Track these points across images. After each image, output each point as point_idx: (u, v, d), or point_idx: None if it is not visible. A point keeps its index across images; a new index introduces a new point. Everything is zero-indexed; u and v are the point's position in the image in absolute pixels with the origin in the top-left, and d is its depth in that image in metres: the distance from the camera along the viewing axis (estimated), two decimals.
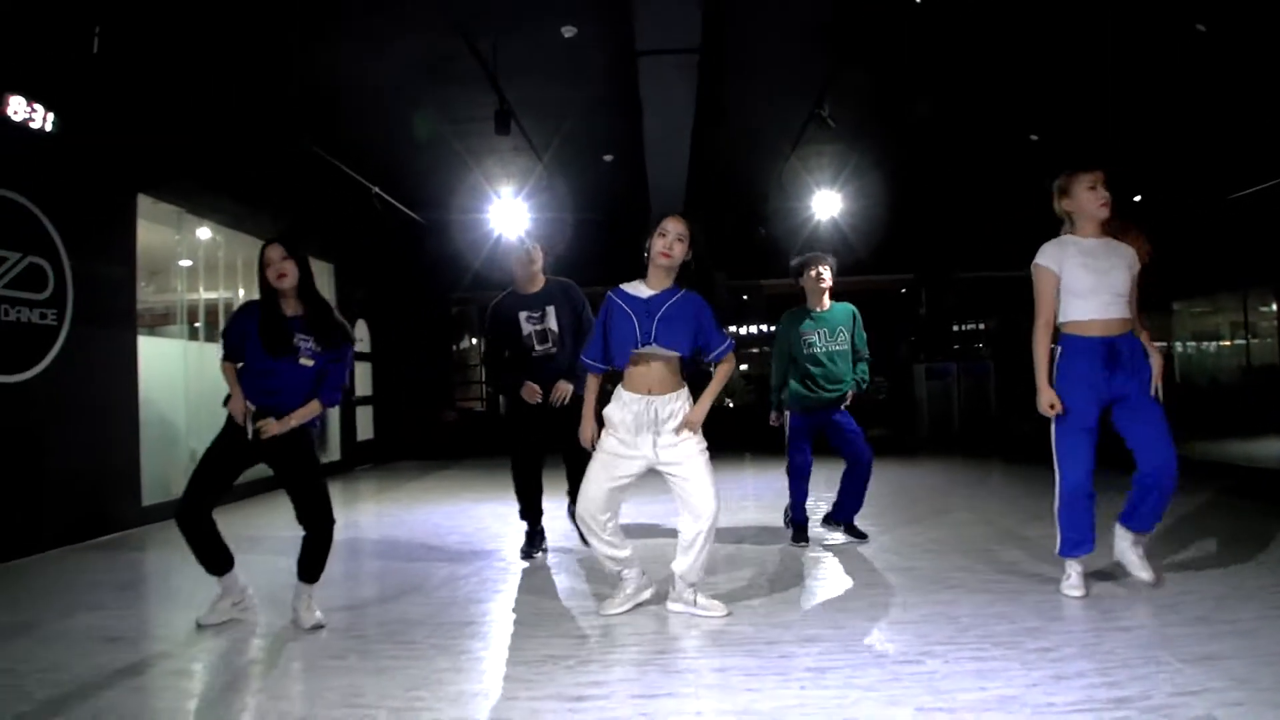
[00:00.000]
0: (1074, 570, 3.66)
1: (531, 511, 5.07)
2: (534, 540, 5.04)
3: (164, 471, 6.79)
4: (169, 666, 3.20)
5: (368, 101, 7.21)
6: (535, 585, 4.31)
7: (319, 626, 3.54)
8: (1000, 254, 12.43)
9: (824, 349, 4.88)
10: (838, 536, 5.10)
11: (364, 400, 11.02)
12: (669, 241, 3.52)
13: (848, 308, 5.02)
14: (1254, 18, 6.25)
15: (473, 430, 12.35)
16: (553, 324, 4.93)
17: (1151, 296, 3.94)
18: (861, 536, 5.02)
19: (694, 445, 3.53)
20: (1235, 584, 3.75)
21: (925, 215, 12.17)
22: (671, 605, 3.64)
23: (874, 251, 11.92)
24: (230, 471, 3.61)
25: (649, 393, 3.52)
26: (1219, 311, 16.72)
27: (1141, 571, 3.66)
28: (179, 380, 7.17)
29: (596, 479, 3.56)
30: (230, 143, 7.69)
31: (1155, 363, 3.63)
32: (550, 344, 4.90)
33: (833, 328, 4.93)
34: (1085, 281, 3.58)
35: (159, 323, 8.22)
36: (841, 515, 5.10)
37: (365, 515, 7.00)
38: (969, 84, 7.69)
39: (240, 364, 3.63)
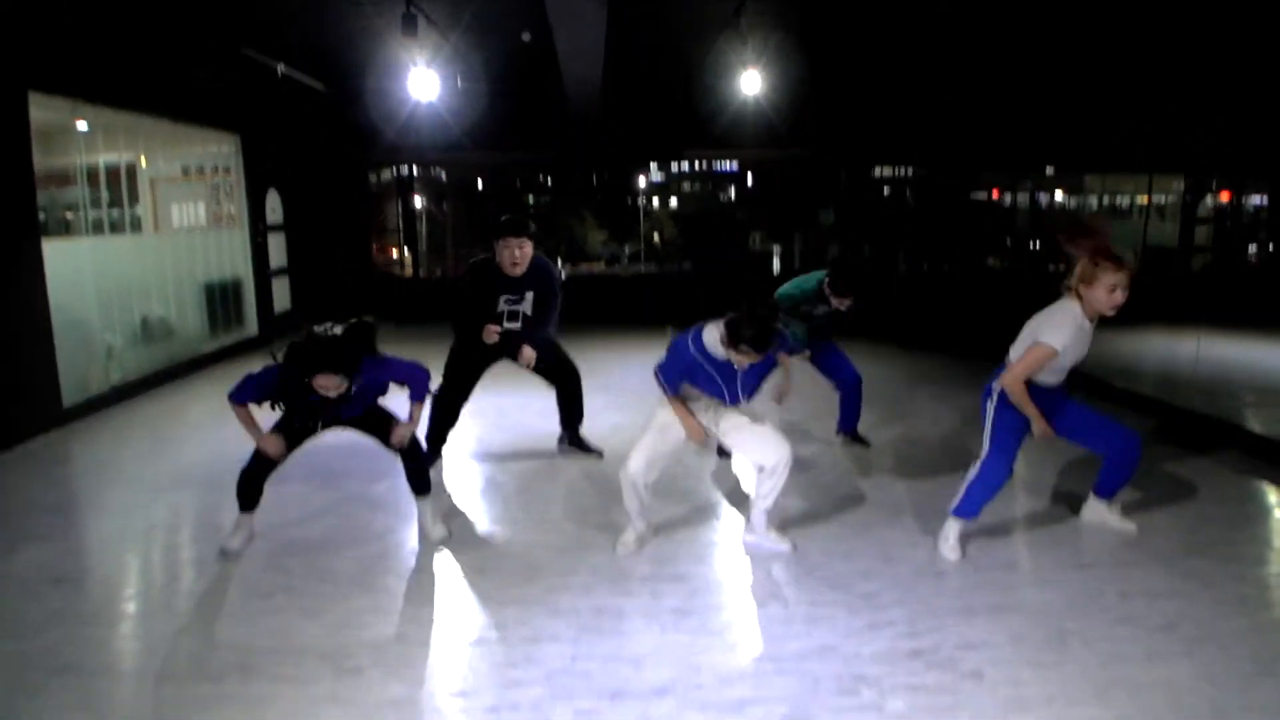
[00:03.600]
0: (955, 532, 3.95)
1: (439, 441, 5.29)
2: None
3: (81, 372, 6.90)
4: (115, 610, 3.54)
5: None
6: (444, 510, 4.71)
7: (444, 539, 4.15)
8: (918, 141, 12.79)
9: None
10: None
11: (279, 271, 11.00)
12: (746, 358, 3.64)
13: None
14: None
15: (391, 294, 12.42)
16: (528, 308, 5.08)
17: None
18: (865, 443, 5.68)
19: (749, 413, 3.96)
20: (1047, 533, 4.28)
21: (846, 96, 12.26)
22: (746, 537, 4.09)
23: (795, 129, 12.07)
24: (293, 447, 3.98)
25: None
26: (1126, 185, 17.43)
27: (1125, 524, 4.17)
28: (88, 279, 7.15)
29: (647, 445, 3.91)
30: (123, 28, 7.35)
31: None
32: (518, 323, 5.08)
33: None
34: (1071, 361, 3.82)
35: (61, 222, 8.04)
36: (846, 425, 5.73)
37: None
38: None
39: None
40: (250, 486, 3.98)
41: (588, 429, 5.72)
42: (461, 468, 5.46)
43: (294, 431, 3.94)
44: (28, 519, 4.56)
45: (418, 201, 15.76)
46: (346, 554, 4.05)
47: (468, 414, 5.41)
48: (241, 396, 3.75)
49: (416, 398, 4.04)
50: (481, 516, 4.61)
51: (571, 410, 5.56)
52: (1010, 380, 3.76)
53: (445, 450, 5.43)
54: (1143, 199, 17.60)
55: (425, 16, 7.24)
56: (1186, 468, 5.21)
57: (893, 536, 4.17)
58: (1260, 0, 7.21)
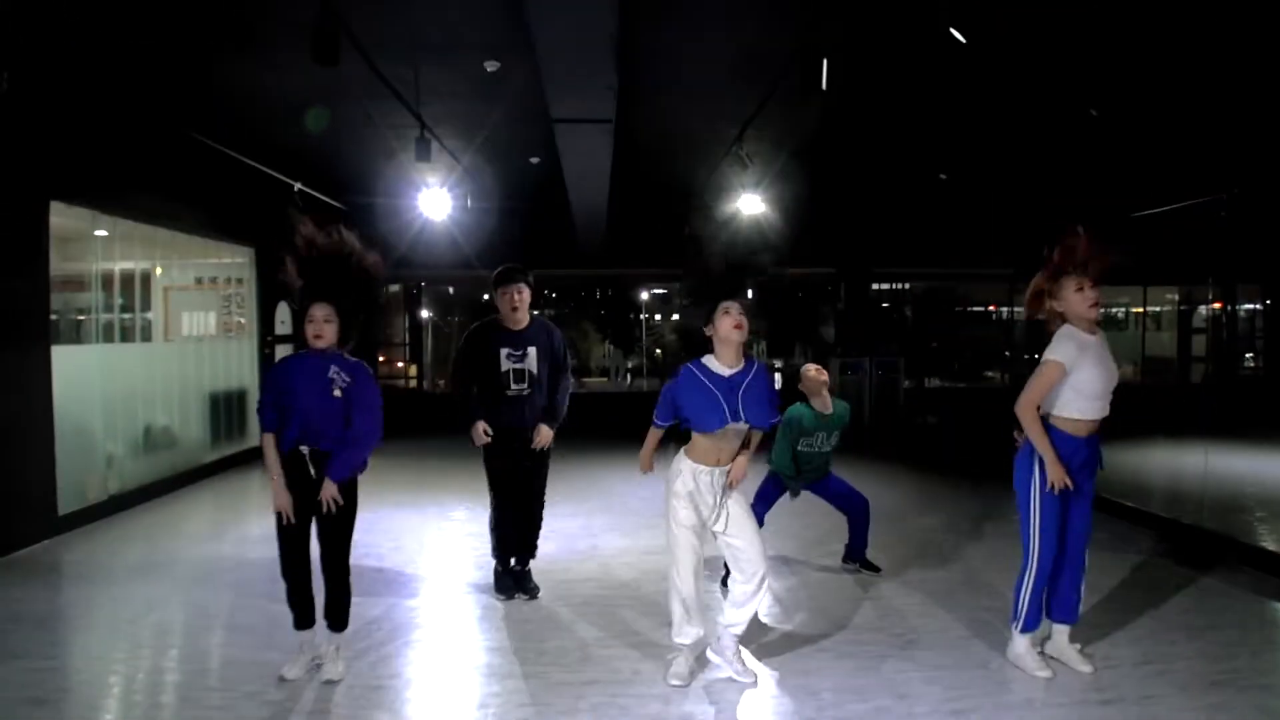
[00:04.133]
0: (1027, 645, 3.89)
1: (507, 557, 5.08)
2: (505, 582, 5.05)
3: (80, 479, 6.85)
4: None
5: (294, 110, 7.18)
6: (450, 631, 4.58)
7: (333, 681, 3.80)
8: (915, 252, 13.06)
9: (820, 448, 5.28)
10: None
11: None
12: (735, 318, 3.68)
13: (845, 406, 5.41)
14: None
15: (398, 409, 12.44)
16: (533, 365, 4.92)
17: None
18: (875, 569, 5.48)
19: (744, 507, 3.85)
20: (1060, 664, 4.20)
21: (844, 213, 12.60)
22: (711, 655, 3.92)
23: (793, 246, 12.32)
24: (306, 520, 3.85)
25: (718, 464, 3.77)
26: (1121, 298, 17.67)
27: (1082, 666, 3.93)
28: (95, 386, 7.17)
29: (685, 555, 3.78)
30: (145, 144, 7.61)
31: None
32: (525, 385, 4.90)
33: (830, 430, 5.29)
34: (1098, 385, 3.71)
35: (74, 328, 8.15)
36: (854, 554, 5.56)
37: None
38: (882, 122, 7.98)
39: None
40: (296, 591, 3.85)
41: (588, 549, 5.59)
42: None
43: (296, 487, 3.78)
44: (11, 632, 4.43)
45: (424, 314, 15.96)
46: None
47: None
48: (263, 410, 3.79)
49: (343, 465, 3.78)
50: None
51: (531, 538, 5.18)
52: (1022, 403, 3.71)
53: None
54: (1137, 310, 17.84)
55: (439, 141, 7.51)
56: (1202, 590, 5.10)
57: (906, 672, 4.02)
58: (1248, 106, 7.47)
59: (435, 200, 10.02)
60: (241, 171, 8.99)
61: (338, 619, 3.92)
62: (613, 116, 5.21)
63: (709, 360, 3.77)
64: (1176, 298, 17.04)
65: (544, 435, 4.94)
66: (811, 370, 5.28)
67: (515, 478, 4.99)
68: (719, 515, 3.81)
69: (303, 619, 3.91)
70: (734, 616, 3.83)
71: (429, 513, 7.35)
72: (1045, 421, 3.77)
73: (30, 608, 4.87)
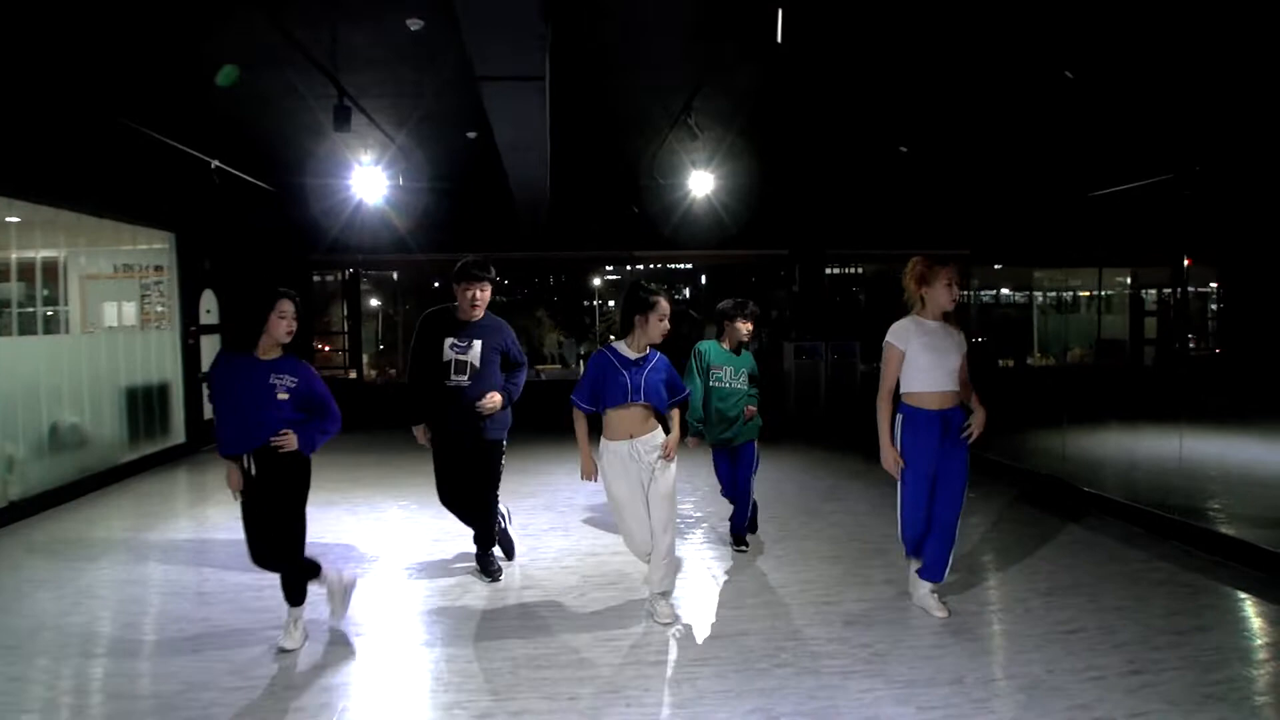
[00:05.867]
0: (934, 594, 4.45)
1: (476, 533, 5.16)
2: (489, 558, 5.13)
3: None
4: None
5: (206, 79, 6.56)
6: (392, 640, 4.13)
7: (286, 650, 3.99)
8: (869, 233, 12.76)
9: (731, 384, 5.50)
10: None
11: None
12: (665, 325, 4.34)
13: (750, 357, 5.66)
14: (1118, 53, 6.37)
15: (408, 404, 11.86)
16: (475, 359, 4.89)
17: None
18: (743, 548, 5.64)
19: (671, 472, 4.33)
20: (1051, 679, 3.88)
21: (799, 194, 12.23)
22: (645, 607, 4.51)
23: (747, 227, 11.94)
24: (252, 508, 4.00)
25: (630, 437, 4.28)
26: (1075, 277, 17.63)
27: (938, 611, 4.39)
28: None
29: (630, 519, 4.30)
30: (51, 121, 6.98)
31: (978, 417, 4.31)
32: (465, 377, 4.87)
33: (736, 367, 5.55)
34: (925, 360, 4.24)
35: None
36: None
37: (208, 517, 6.59)
38: (838, 91, 7.59)
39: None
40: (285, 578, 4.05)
41: (532, 550, 5.26)
42: (386, 579, 4.93)
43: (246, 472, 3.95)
44: None
45: (373, 302, 15.34)
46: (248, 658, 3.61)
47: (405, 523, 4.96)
48: (214, 370, 4.02)
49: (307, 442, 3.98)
50: (408, 627, 4.10)
51: (487, 525, 5.16)
52: (880, 396, 4.34)
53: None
54: (1086, 294, 17.84)
55: (364, 114, 6.96)
56: (1182, 586, 4.82)
57: (874, 691, 3.64)
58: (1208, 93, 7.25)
59: (369, 180, 9.47)
60: (159, 151, 8.36)
61: (293, 594, 4.06)
62: (544, 74, 4.75)
63: (620, 345, 4.37)
64: (1129, 280, 17.03)
65: (492, 399, 4.87)
66: (739, 323, 5.53)
67: (451, 459, 5.01)
68: (650, 481, 4.29)
69: (295, 598, 4.09)
70: (653, 579, 4.38)
71: (360, 512, 6.84)
72: (903, 402, 4.32)
73: None
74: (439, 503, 5.16)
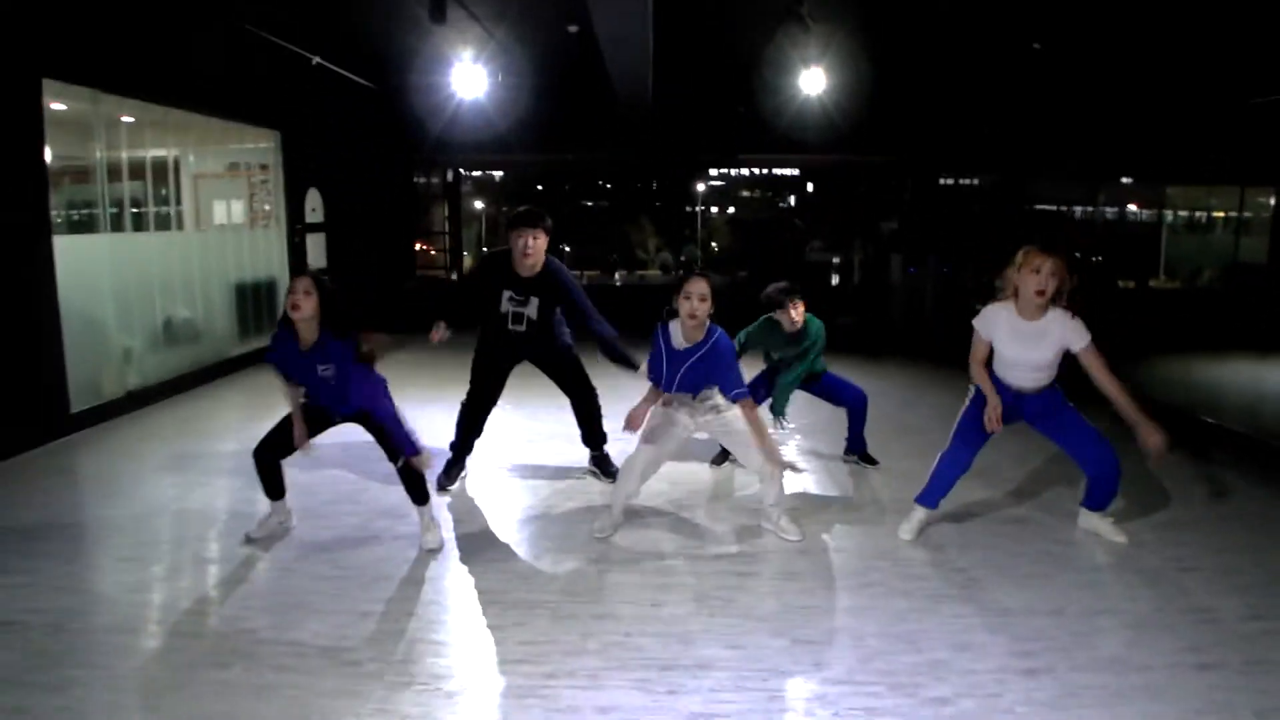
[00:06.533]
0: (918, 517, 4.29)
1: (464, 449, 5.13)
2: (453, 470, 5.09)
3: (93, 375, 6.55)
4: (49, 679, 3.01)
5: None
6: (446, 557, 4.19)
7: (437, 548, 4.07)
8: (989, 145, 11.99)
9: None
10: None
11: (320, 272, 10.67)
12: (693, 305, 3.89)
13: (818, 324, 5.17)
14: None
15: (435, 303, 12.08)
16: (533, 313, 4.82)
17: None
18: (873, 462, 5.48)
19: (734, 414, 4.12)
20: (1159, 617, 3.65)
21: (915, 98, 11.51)
22: (764, 524, 4.32)
23: (857, 132, 11.38)
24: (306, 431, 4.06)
25: (673, 403, 4.18)
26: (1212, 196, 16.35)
27: (1116, 536, 4.23)
28: (104, 278, 6.79)
29: (642, 463, 4.19)
30: (154, 21, 7.04)
31: (1153, 441, 3.79)
32: (523, 327, 4.85)
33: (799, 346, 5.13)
34: (1008, 355, 4.03)
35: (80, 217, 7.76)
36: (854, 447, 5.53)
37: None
38: None
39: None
40: (264, 470, 4.08)
41: (621, 456, 5.19)
42: (482, 480, 5.14)
43: (311, 416, 4.04)
44: None
45: (478, 204, 15.40)
46: (349, 553, 4.06)
47: (498, 424, 5.04)
48: (270, 355, 3.97)
49: (410, 450, 3.98)
50: (492, 530, 4.40)
51: (590, 429, 5.24)
52: (974, 364, 4.11)
53: (471, 460, 5.25)
54: (1221, 214, 16.54)
55: (462, 5, 6.77)
56: None
57: (966, 617, 3.50)
58: None
59: (469, 77, 9.35)
60: (263, 49, 8.39)
61: (419, 494, 4.10)
62: None
63: (674, 327, 4.04)
64: (1273, 200, 15.67)
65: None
66: (790, 309, 5.02)
67: (493, 376, 5.03)
68: (707, 423, 4.20)
69: (272, 491, 4.17)
70: (766, 493, 4.23)
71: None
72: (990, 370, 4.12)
73: (21, 514, 4.58)
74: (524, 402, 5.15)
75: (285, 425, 4.03)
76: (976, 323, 4.08)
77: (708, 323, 4.00)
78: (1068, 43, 8.81)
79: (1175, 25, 7.97)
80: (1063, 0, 7.53)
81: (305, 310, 3.75)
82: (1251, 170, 13.35)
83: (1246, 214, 15.99)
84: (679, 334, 4.02)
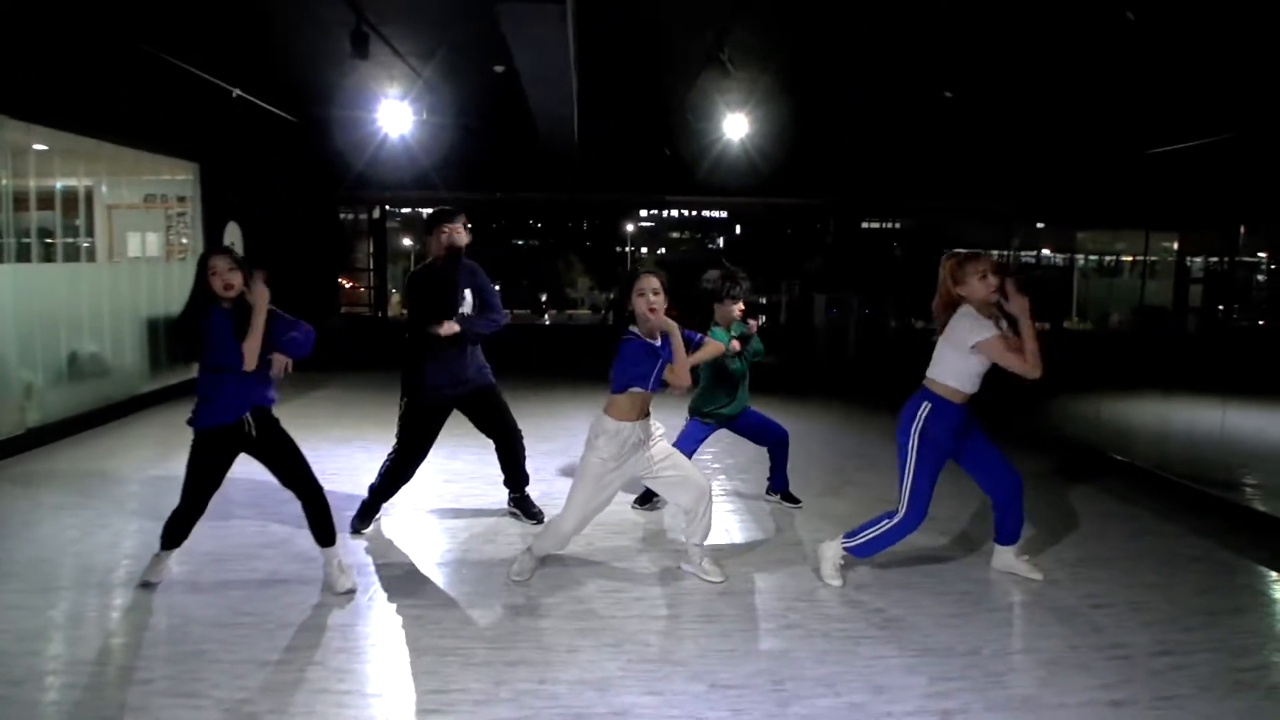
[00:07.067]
0: (836, 559, 4.22)
1: (386, 499, 4.93)
2: (369, 516, 4.90)
3: None
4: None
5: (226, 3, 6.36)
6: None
7: (350, 591, 3.91)
8: (908, 186, 12.35)
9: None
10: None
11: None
12: (649, 300, 3.81)
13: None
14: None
15: (356, 337, 11.83)
16: (467, 308, 4.77)
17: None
18: (795, 501, 5.49)
19: (667, 443, 4.13)
20: (1074, 656, 3.70)
21: (836, 142, 11.81)
22: (685, 566, 4.30)
23: (782, 174, 11.60)
24: (222, 475, 3.90)
25: (637, 419, 3.95)
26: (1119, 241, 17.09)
27: (1031, 574, 4.25)
28: (6, 310, 6.47)
29: (583, 502, 3.96)
30: (70, 48, 6.83)
31: (1019, 304, 3.87)
32: (459, 329, 4.72)
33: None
34: (982, 366, 3.92)
35: None
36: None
37: None
38: (880, 29, 7.20)
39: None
40: (178, 529, 3.92)
41: (545, 495, 5.24)
42: (398, 521, 4.97)
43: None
44: None
45: (405, 240, 15.21)
46: (254, 599, 3.88)
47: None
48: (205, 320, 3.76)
49: (295, 351, 3.96)
50: (406, 574, 4.23)
51: (513, 471, 5.13)
52: (1026, 368, 3.81)
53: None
54: (1129, 258, 17.28)
55: (386, 42, 6.72)
56: (1217, 565, 4.60)
57: (885, 658, 3.49)
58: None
59: (395, 114, 9.28)
60: (181, 79, 8.20)
61: (326, 534, 3.97)
62: None
63: (635, 330, 3.91)
64: (1176, 245, 16.46)
65: (447, 326, 4.57)
66: (728, 304, 4.99)
67: (431, 428, 4.81)
68: (646, 463, 4.02)
69: (179, 539, 3.96)
70: (694, 530, 4.18)
71: (374, 450, 6.77)
72: (930, 390, 3.98)
73: None
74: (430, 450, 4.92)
75: (207, 479, 3.88)
76: (984, 330, 3.84)
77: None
78: (978, 93, 9.15)
79: (1079, 78, 8.34)
80: (971, 54, 7.80)
81: (239, 287, 3.71)
82: (1155, 215, 14.00)
83: (1152, 258, 16.74)
84: (640, 335, 3.92)
